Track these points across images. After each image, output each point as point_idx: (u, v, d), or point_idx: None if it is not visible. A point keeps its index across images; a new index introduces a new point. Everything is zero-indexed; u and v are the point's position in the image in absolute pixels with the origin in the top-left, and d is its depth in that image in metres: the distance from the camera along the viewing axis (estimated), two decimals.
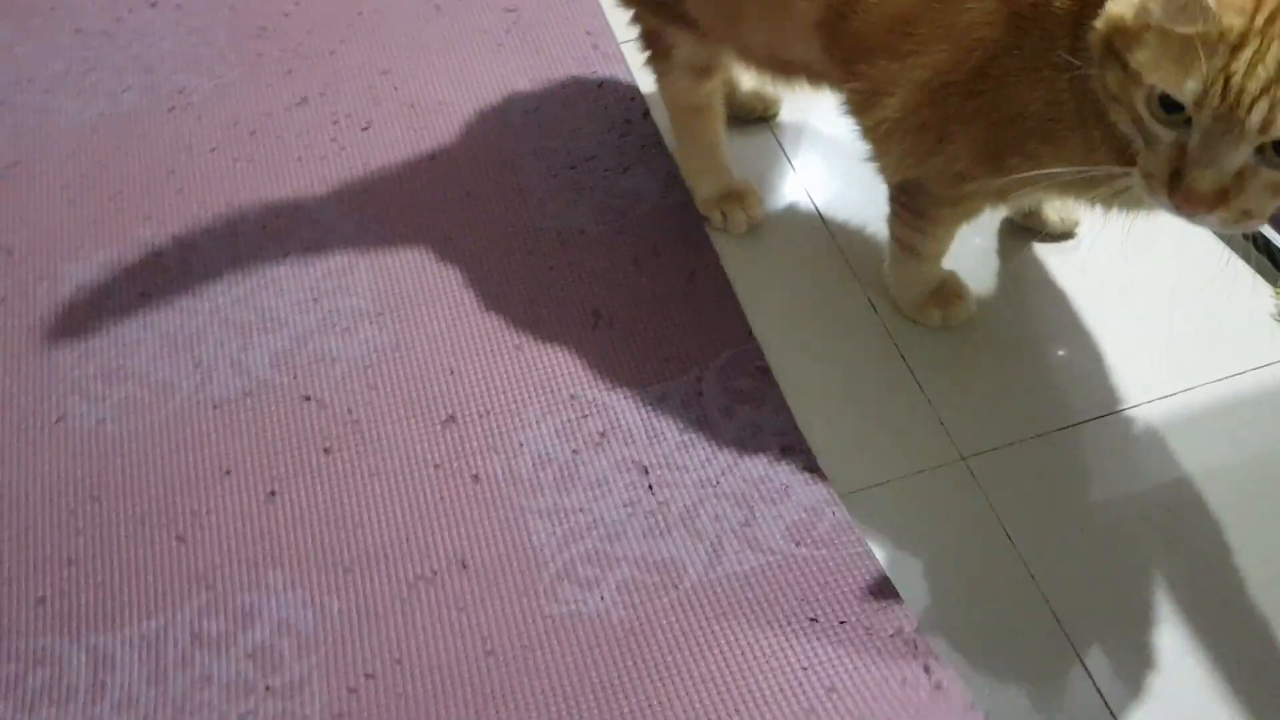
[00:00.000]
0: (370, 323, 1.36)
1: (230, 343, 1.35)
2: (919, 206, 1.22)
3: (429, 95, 1.59)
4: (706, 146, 1.43)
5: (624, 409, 1.28)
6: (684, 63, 1.34)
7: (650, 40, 1.36)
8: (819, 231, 1.44)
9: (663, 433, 1.26)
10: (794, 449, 1.24)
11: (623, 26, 1.61)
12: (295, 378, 1.32)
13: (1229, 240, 1.35)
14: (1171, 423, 1.24)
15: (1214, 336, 1.30)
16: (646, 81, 1.55)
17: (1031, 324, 1.34)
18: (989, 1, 0.99)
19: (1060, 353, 1.31)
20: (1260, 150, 0.84)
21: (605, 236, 1.43)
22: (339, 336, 1.35)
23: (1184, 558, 1.14)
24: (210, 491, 1.24)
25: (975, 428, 1.25)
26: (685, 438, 1.26)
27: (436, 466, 1.25)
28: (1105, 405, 1.26)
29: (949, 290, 1.33)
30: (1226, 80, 0.81)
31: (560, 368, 1.32)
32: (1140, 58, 0.86)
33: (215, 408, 1.30)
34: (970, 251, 1.38)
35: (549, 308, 1.37)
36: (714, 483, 1.22)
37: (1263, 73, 0.80)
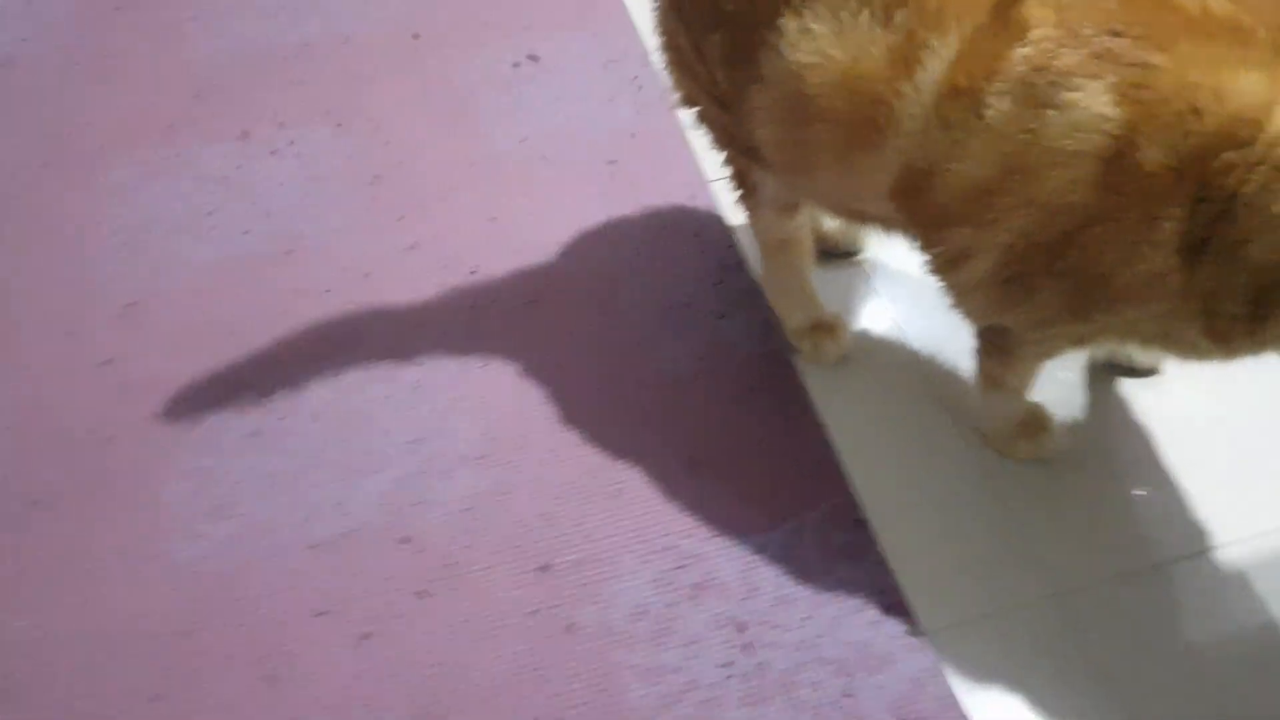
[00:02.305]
0: (470, 466, 1.33)
1: (332, 484, 1.33)
2: (1003, 345, 1.19)
3: (533, 241, 1.58)
4: (795, 278, 1.41)
5: (720, 560, 1.23)
6: (770, 200, 1.34)
7: (739, 179, 1.36)
8: (909, 364, 1.40)
9: (759, 587, 1.20)
10: (895, 610, 1.17)
11: (716, 173, 1.61)
12: (394, 519, 1.29)
13: None
14: (1267, 562, 1.17)
15: None
16: (742, 232, 1.54)
17: (1118, 459, 1.29)
18: (1076, 172, 0.96)
19: (1148, 489, 1.25)
20: None
21: (702, 381, 1.39)
22: (439, 479, 1.32)
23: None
24: (303, 632, 1.20)
25: (1066, 564, 1.20)
26: (783, 593, 1.20)
27: (531, 614, 1.20)
28: (1195, 544, 1.20)
29: (1035, 423, 1.29)
30: None
31: (656, 515, 1.27)
32: None
33: (312, 548, 1.27)
34: (1057, 385, 1.32)
35: (647, 452, 1.33)
36: (813, 645, 1.15)
37: None
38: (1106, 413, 1.34)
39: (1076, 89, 0.95)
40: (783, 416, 1.35)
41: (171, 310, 1.54)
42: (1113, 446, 1.30)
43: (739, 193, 1.38)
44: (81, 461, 1.37)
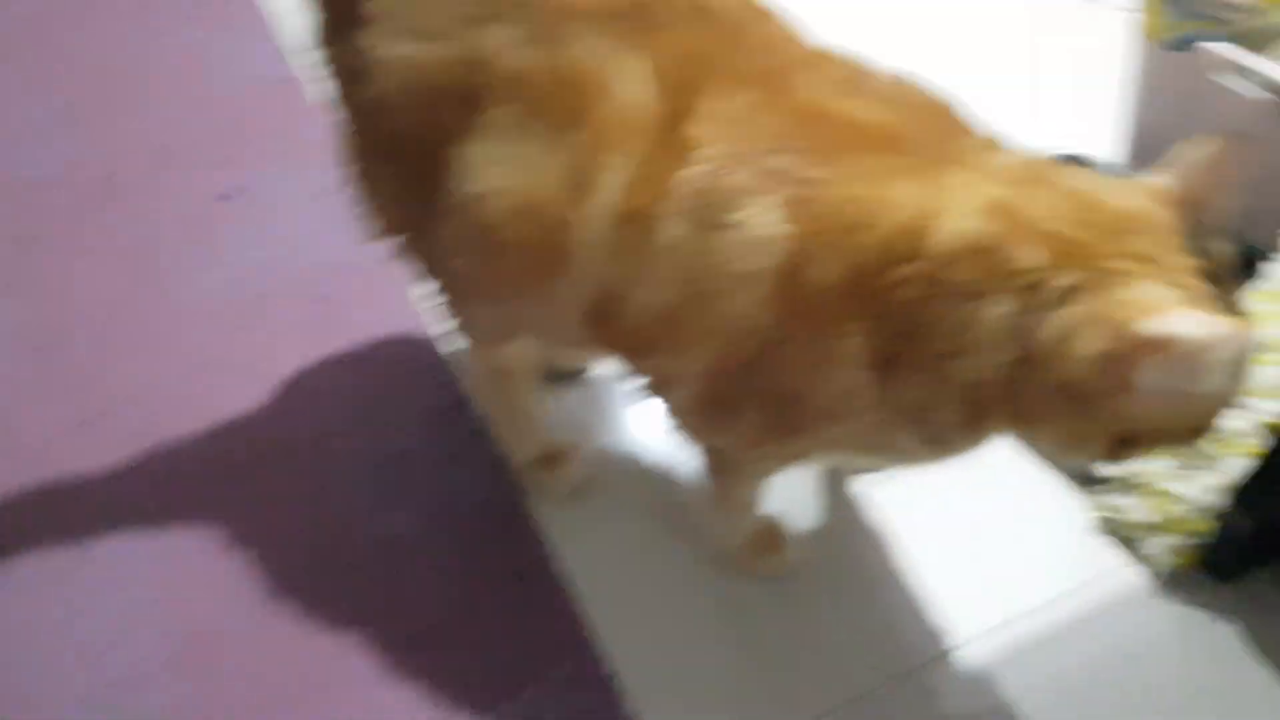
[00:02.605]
0: (166, 673, 1.17)
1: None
2: (725, 463, 1.15)
3: (236, 398, 1.43)
4: (519, 409, 1.32)
5: None
6: (484, 330, 1.25)
7: (452, 310, 1.26)
8: (648, 489, 1.33)
9: None
10: None
11: (433, 305, 1.52)
12: None
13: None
14: (1011, 656, 1.16)
15: (1038, 557, 1.25)
16: (464, 365, 1.44)
17: (860, 564, 1.25)
18: (753, 293, 0.92)
19: (891, 591, 1.22)
20: None
21: (428, 539, 1.28)
22: (130, 693, 1.15)
23: None
24: None
25: (816, 686, 1.14)
26: None
27: None
28: (944, 643, 1.17)
29: (769, 538, 1.25)
30: None
31: (379, 702, 1.14)
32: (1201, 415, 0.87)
33: None
34: (790, 492, 1.28)
35: (363, 633, 1.19)
36: None
37: None
38: (841, 518, 1.30)
39: (745, 208, 0.91)
40: (517, 569, 1.25)
41: None
42: (851, 552, 1.26)
43: (453, 323, 1.29)
44: None
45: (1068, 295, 0.82)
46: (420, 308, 1.54)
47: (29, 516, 1.32)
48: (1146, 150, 1.62)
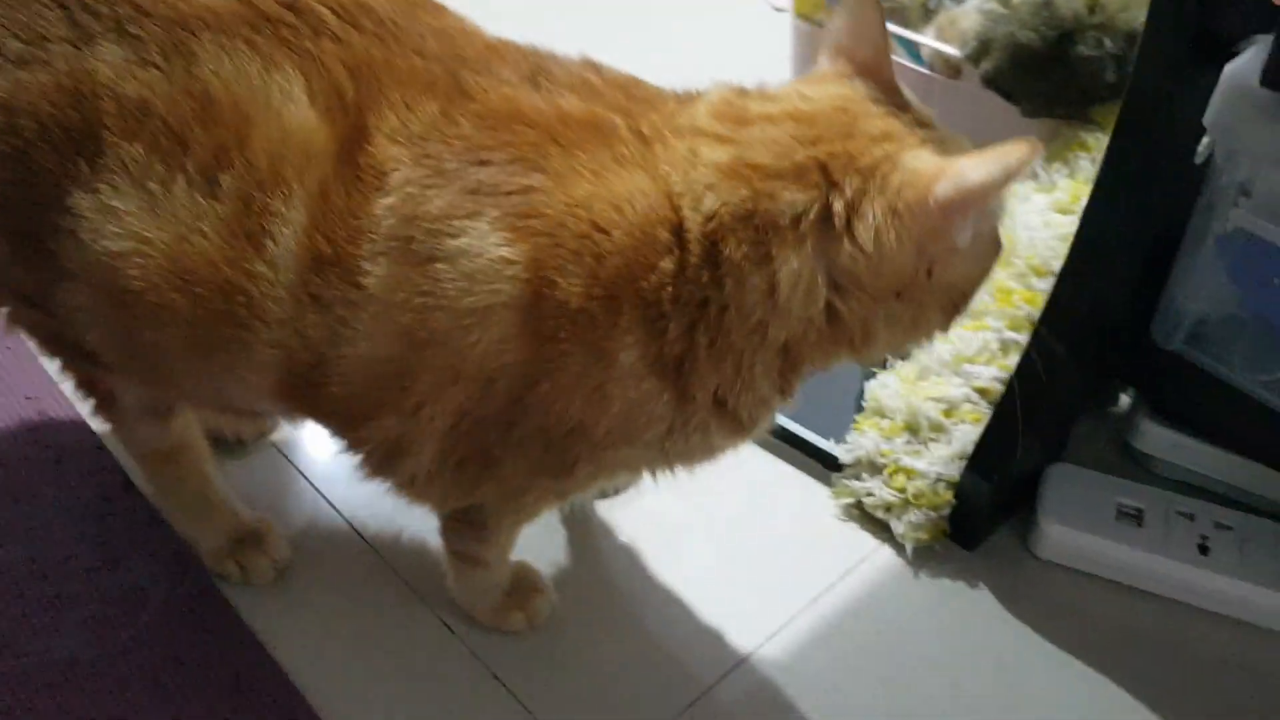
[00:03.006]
0: None
1: None
2: (476, 519, 1.01)
3: None
4: (195, 491, 1.13)
5: None
6: (134, 407, 1.05)
7: (88, 387, 1.07)
8: (361, 555, 1.18)
9: None
10: None
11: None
12: None
13: (776, 450, 1.30)
14: (792, 654, 1.12)
15: (794, 553, 1.21)
16: (119, 445, 1.21)
17: (620, 597, 1.16)
18: (494, 329, 0.80)
19: (658, 622, 1.14)
20: None
21: (107, 661, 1.05)
22: None
23: None
24: None
25: None
26: None
27: None
28: (723, 663, 1.11)
29: (525, 586, 1.12)
30: None
31: None
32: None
33: None
34: (529, 535, 1.13)
35: None
36: None
37: None
38: (591, 548, 1.20)
39: (458, 235, 0.79)
40: (226, 673, 1.05)
41: None
42: (608, 586, 1.17)
43: (93, 404, 1.07)
44: None
45: (852, 208, 0.78)
46: (56, 384, 1.29)
47: None
48: None
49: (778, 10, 1.98)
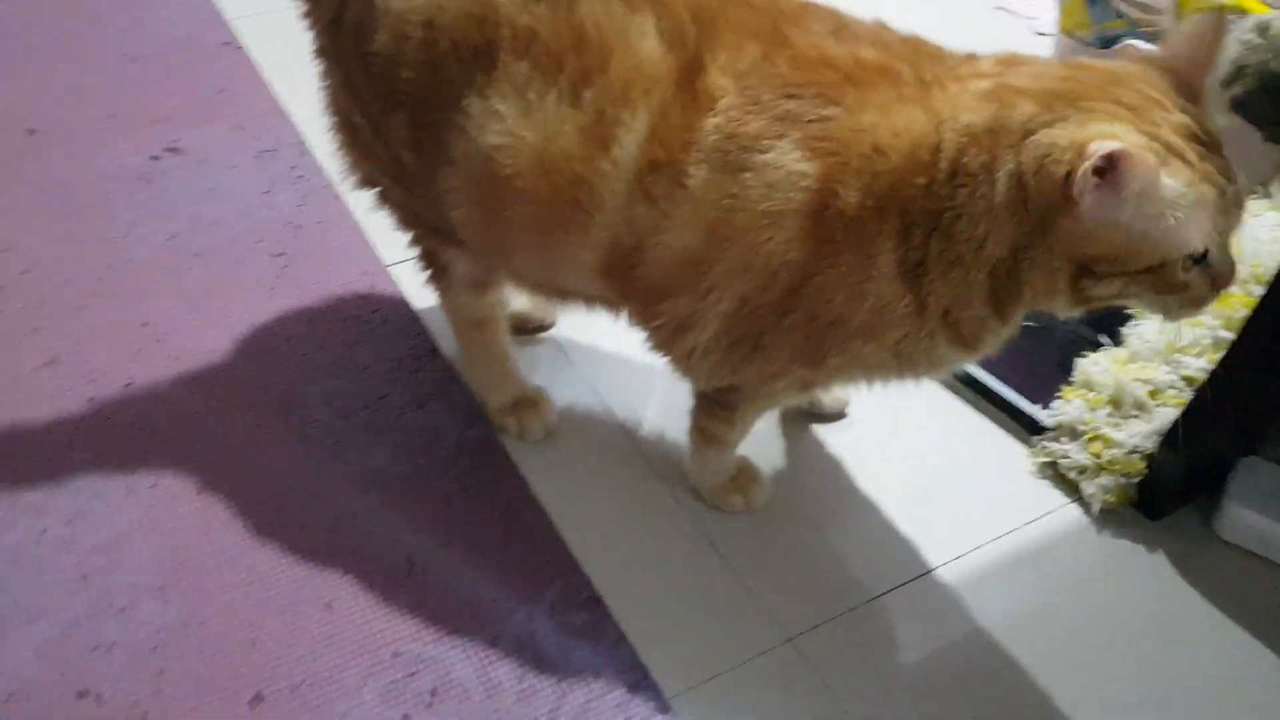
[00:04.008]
0: (152, 599, 1.19)
1: None
2: (728, 402, 1.22)
3: (198, 346, 1.46)
4: (493, 357, 1.39)
5: (454, 661, 1.16)
6: (462, 279, 1.31)
7: (428, 260, 1.33)
8: (614, 432, 1.41)
9: (500, 684, 1.14)
10: (641, 687, 1.15)
11: (397, 258, 1.57)
12: (66, 672, 1.12)
13: (980, 409, 1.45)
14: (967, 582, 1.27)
15: (987, 497, 1.35)
16: (431, 316, 1.50)
17: (824, 501, 1.35)
18: (785, 231, 1.01)
19: (854, 527, 1.32)
20: None
21: (411, 477, 1.33)
22: (115, 618, 1.17)
23: (1006, 708, 1.16)
24: None
25: (793, 608, 1.23)
26: (525, 687, 1.14)
27: None
28: (905, 573, 1.28)
29: (746, 475, 1.33)
30: (1224, 200, 0.93)
31: (377, 623, 1.18)
32: (1149, 256, 0.94)
33: None
34: (756, 439, 1.36)
35: (357, 558, 1.24)
36: None
37: (1225, 174, 0.93)
38: (804, 460, 1.40)
39: (766, 150, 1.00)
40: (499, 502, 1.31)
41: None
42: (816, 489, 1.36)
43: (428, 274, 1.35)
44: None
45: (1049, 124, 0.93)
46: (384, 263, 1.59)
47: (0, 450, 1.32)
48: None
49: (1040, 35, 2.12)
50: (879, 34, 1.06)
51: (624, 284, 1.12)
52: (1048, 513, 1.35)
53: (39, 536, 1.24)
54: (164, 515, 1.27)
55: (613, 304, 1.20)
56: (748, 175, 1.00)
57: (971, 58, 1.04)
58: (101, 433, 1.35)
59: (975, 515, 1.34)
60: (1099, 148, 0.87)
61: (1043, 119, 0.93)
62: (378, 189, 1.28)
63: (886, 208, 0.98)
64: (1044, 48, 1.89)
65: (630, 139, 1.03)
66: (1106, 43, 1.62)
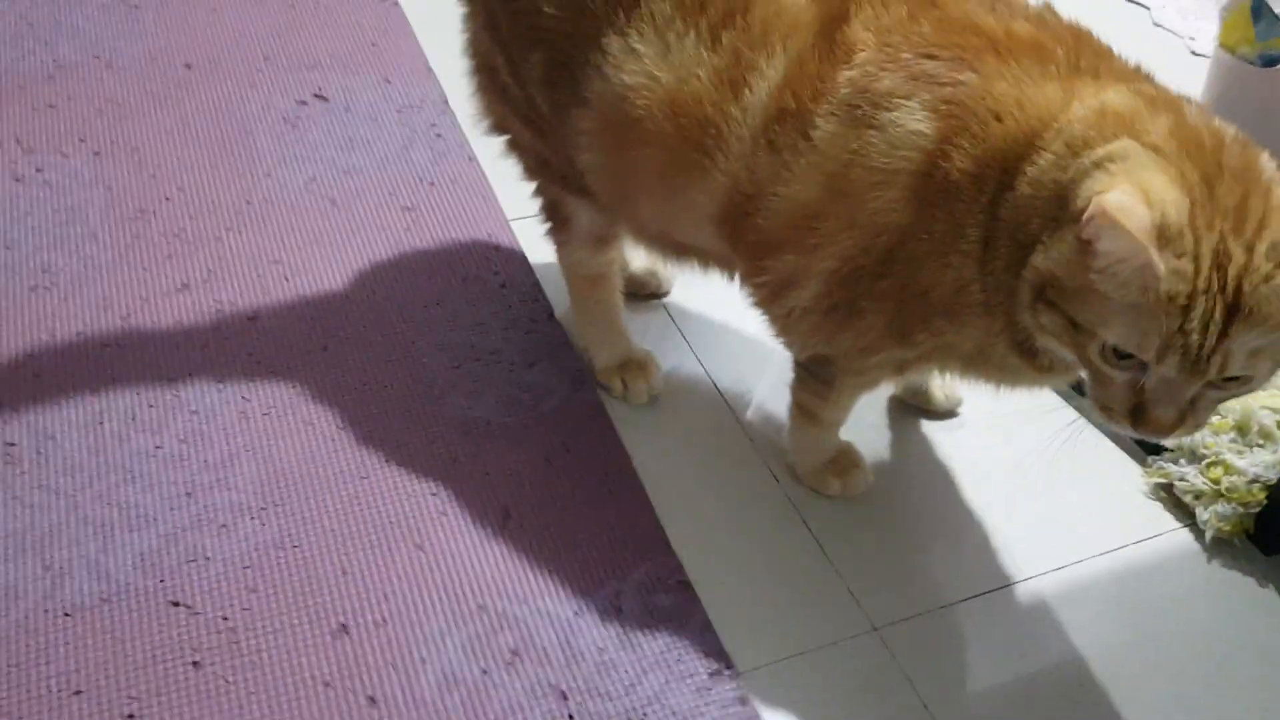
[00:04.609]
0: (252, 518, 1.19)
1: (88, 542, 1.16)
2: (824, 375, 1.18)
3: (322, 287, 1.46)
4: (605, 315, 1.37)
5: (538, 623, 1.14)
6: (583, 233, 1.29)
7: (551, 211, 1.31)
8: (716, 404, 1.38)
9: (582, 652, 1.12)
10: (721, 674, 1.11)
11: (521, 221, 1.56)
12: (162, 581, 1.13)
13: (1098, 422, 1.35)
14: (1064, 595, 1.21)
15: (1095, 512, 1.29)
16: (550, 280, 1.48)
17: (925, 496, 1.31)
18: (894, 190, 0.97)
19: (954, 525, 1.27)
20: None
21: (513, 430, 1.31)
22: (215, 534, 1.18)
23: None
24: (56, 714, 1.02)
25: (882, 599, 1.19)
26: (606, 659, 1.11)
27: (326, 685, 1.07)
28: (1001, 578, 1.22)
29: (847, 460, 1.29)
30: (1184, 337, 0.84)
31: (467, 571, 1.17)
32: (1086, 316, 0.88)
33: (66, 616, 1.10)
34: (863, 428, 1.33)
35: (453, 503, 1.23)
36: (640, 715, 1.07)
37: (1214, 328, 0.83)
38: (910, 454, 1.35)
39: (895, 108, 0.96)
40: (598, 468, 1.28)
41: None
42: (919, 485, 1.31)
43: (549, 225, 1.33)
44: None
45: (1101, 162, 0.86)
46: (510, 226, 1.58)
47: (126, 366, 1.34)
48: None
49: (1195, 55, 2.01)
50: (1041, 14, 1.00)
51: (736, 235, 1.09)
52: (1156, 535, 1.28)
53: (153, 451, 1.25)
54: (272, 442, 1.27)
55: (725, 260, 1.17)
56: (872, 132, 0.97)
57: (1137, 75, 0.98)
58: (222, 360, 1.36)
59: (1080, 529, 1.28)
60: (1111, 195, 0.82)
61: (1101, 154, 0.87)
62: (507, 134, 1.27)
63: (985, 177, 0.93)
64: (1198, 69, 1.79)
65: (763, 85, 1.00)
66: (1269, 61, 1.52)
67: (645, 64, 1.03)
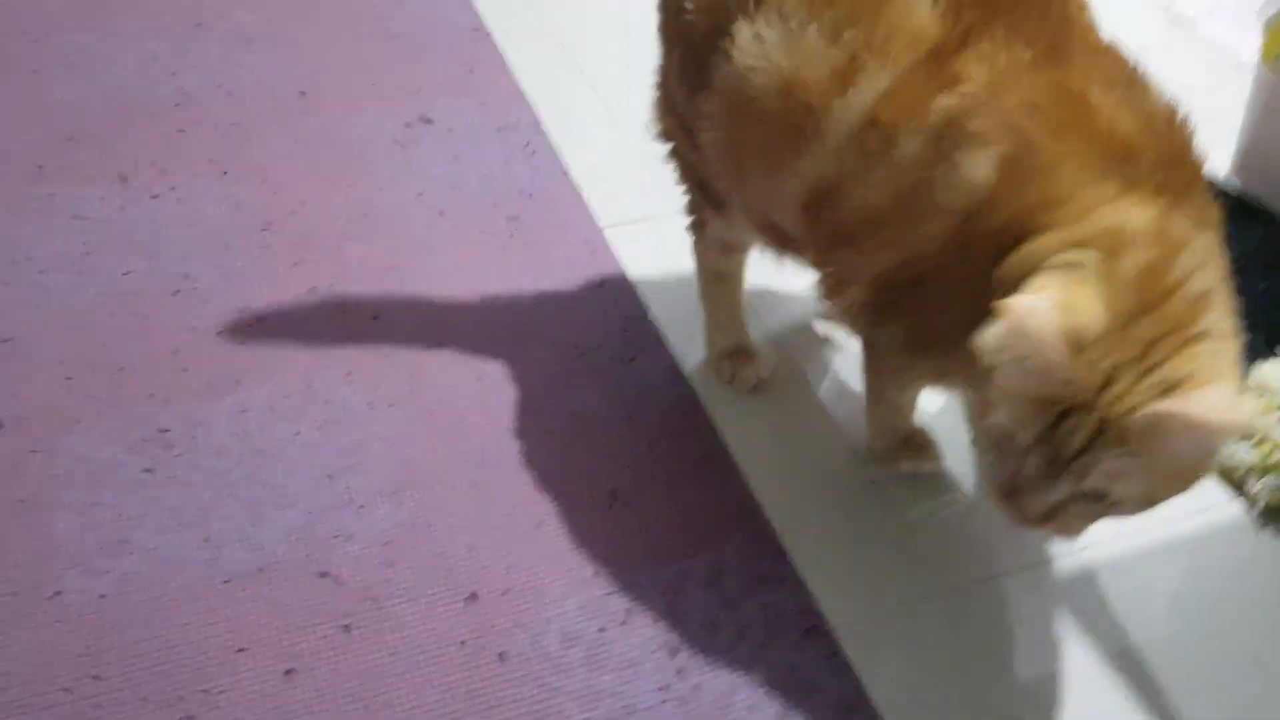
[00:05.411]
0: (386, 500, 1.27)
1: (240, 518, 1.24)
2: (880, 359, 1.24)
3: (436, 289, 1.55)
4: (726, 306, 1.45)
5: (646, 588, 1.21)
6: (714, 239, 1.38)
7: (693, 211, 1.39)
8: (804, 388, 1.46)
9: (687, 614, 1.19)
10: (817, 632, 1.18)
11: (613, 229, 1.64)
12: (310, 553, 1.21)
13: None
14: (1119, 566, 1.26)
15: None
16: (644, 285, 1.56)
17: None
18: (938, 224, 1.02)
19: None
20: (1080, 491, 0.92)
21: (617, 420, 1.39)
22: (354, 513, 1.26)
23: (1145, 692, 1.13)
24: (222, 669, 1.11)
25: (952, 561, 1.26)
26: (709, 618, 1.18)
27: (461, 644, 1.14)
28: (1058, 550, 1.27)
29: (918, 442, 1.34)
30: (1053, 439, 0.90)
31: (580, 545, 1.24)
32: (993, 392, 0.93)
33: (226, 583, 1.18)
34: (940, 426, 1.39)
35: (566, 486, 1.30)
36: (745, 669, 1.14)
37: (1080, 438, 0.89)
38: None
39: (972, 153, 0.98)
40: (695, 452, 1.35)
41: (51, 347, 1.43)
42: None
43: (690, 224, 1.41)
44: None
45: (1055, 265, 0.93)
46: (602, 234, 1.66)
47: (264, 361, 1.44)
48: (1257, 172, 1.76)
49: (1237, 72, 2.05)
50: (1161, 117, 0.99)
51: (814, 221, 1.14)
52: (1209, 507, 1.32)
53: (293, 438, 1.34)
54: (399, 430, 1.36)
55: (801, 246, 1.22)
56: (944, 166, 1.00)
57: (1204, 204, 0.98)
58: (350, 354, 1.45)
59: None
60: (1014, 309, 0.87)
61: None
62: (671, 143, 1.35)
63: (1002, 241, 0.97)
64: (1241, 86, 1.83)
65: (870, 88, 1.03)
66: None
67: (766, 47, 1.08)
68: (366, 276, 1.57)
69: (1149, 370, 0.87)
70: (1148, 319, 0.88)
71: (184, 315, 1.49)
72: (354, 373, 1.43)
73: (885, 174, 1.04)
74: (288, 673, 1.11)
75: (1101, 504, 0.93)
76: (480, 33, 2.06)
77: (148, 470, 1.29)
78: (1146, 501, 0.93)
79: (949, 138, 1.00)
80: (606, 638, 1.16)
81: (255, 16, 2.08)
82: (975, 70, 0.99)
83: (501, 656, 1.14)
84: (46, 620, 1.14)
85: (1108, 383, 0.87)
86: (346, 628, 1.15)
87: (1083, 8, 1.06)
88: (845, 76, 1.04)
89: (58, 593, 1.16)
